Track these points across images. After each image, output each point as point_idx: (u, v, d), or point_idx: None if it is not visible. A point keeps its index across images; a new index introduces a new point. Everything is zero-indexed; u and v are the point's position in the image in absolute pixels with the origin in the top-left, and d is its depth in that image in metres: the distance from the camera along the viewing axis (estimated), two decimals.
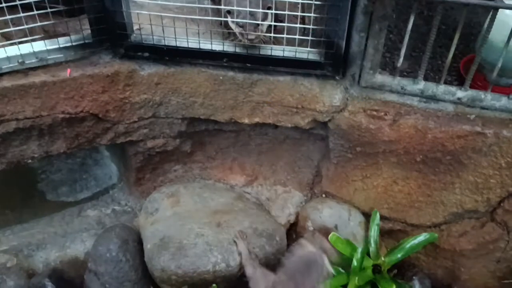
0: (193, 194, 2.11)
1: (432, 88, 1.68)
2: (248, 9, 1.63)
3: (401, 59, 1.67)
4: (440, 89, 1.68)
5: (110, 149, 2.18)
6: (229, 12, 1.72)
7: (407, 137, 1.73)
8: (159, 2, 1.81)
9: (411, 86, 1.70)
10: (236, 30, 1.70)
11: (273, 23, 1.72)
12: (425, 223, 1.94)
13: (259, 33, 1.68)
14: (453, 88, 1.67)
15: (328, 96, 1.78)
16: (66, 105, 1.80)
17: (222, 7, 1.75)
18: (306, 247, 1.38)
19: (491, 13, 1.53)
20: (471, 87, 1.70)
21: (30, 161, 1.89)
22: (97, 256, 1.94)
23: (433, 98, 1.70)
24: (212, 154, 2.20)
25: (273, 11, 1.74)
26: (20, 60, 1.72)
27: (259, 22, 1.66)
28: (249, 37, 1.67)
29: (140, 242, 2.00)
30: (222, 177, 2.24)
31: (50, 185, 2.18)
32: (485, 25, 1.70)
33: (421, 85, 1.69)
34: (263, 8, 1.66)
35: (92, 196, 2.25)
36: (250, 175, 2.22)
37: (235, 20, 1.69)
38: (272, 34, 1.73)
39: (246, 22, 1.65)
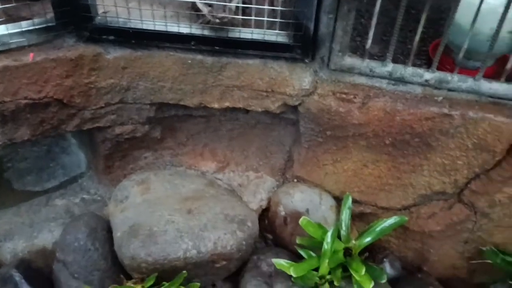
0: (164, 181, 2.08)
1: (400, 70, 1.69)
2: None
3: (369, 41, 1.67)
4: (408, 71, 1.68)
5: (77, 136, 2.13)
6: None
7: (376, 120, 1.74)
8: None
9: (379, 68, 1.70)
10: (205, 10, 1.67)
11: (241, 5, 1.70)
12: (395, 205, 1.95)
13: (228, 14, 1.66)
14: (420, 70, 1.68)
15: (298, 79, 1.77)
16: (29, 90, 1.74)
17: None
18: None
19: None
20: (441, 70, 1.71)
21: None
22: (65, 246, 1.90)
23: (402, 80, 1.70)
24: (183, 140, 2.17)
25: None
26: None
27: (227, 2, 1.64)
28: (218, 15, 1.63)
29: (109, 231, 1.96)
30: (193, 164, 2.21)
31: (16, 174, 2.12)
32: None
33: (389, 67, 1.69)
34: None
35: (60, 185, 2.20)
36: (222, 161, 2.20)
37: (203, 1, 1.66)
38: (240, 16, 1.71)
39: (214, 2, 1.63)
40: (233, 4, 1.67)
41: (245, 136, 2.13)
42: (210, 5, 1.65)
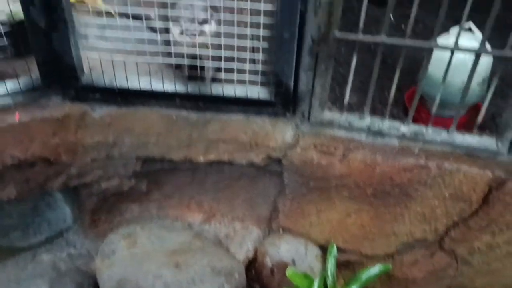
0: (150, 234, 2.08)
1: (378, 123, 1.76)
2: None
3: (347, 97, 1.74)
4: (385, 125, 1.75)
5: (63, 191, 2.13)
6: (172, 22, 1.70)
7: (357, 172, 1.79)
8: (108, 45, 1.82)
9: (358, 122, 1.77)
10: (176, 32, 1.69)
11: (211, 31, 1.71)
12: (379, 253, 1.98)
13: (201, 36, 1.68)
14: (397, 124, 1.75)
15: (280, 133, 1.82)
16: (15, 150, 1.76)
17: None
18: None
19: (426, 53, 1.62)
20: (417, 119, 1.78)
21: None
22: None
23: (379, 133, 1.77)
24: (169, 192, 2.19)
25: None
26: None
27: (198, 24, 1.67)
28: (191, 35, 1.66)
29: (96, 286, 1.95)
30: (180, 216, 2.22)
31: (1, 231, 2.10)
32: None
33: (367, 121, 1.76)
34: (198, 20, 1.67)
35: (46, 240, 2.18)
36: (208, 212, 2.22)
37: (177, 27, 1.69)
38: (223, 74, 1.76)
39: (187, 26, 1.66)
40: (206, 28, 1.70)
41: (230, 188, 2.15)
42: (182, 30, 1.68)
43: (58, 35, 1.66)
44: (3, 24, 1.67)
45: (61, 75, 1.76)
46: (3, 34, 1.65)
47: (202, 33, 1.69)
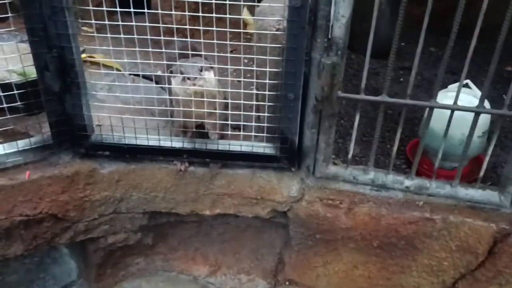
0: None
1: (382, 177, 1.79)
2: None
3: (350, 152, 1.78)
4: (389, 178, 1.78)
5: (69, 246, 2.13)
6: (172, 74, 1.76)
7: (362, 224, 1.81)
8: (118, 104, 1.88)
9: (362, 176, 1.80)
10: (179, 82, 1.74)
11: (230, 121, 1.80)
12: None
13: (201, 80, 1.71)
14: (401, 177, 1.78)
15: (286, 187, 1.85)
16: (24, 207, 1.78)
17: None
18: None
19: (427, 111, 1.68)
20: (418, 170, 1.81)
21: None
22: None
23: (384, 187, 1.80)
24: (174, 245, 2.20)
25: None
26: None
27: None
28: (191, 79, 1.69)
29: None
30: (185, 268, 2.21)
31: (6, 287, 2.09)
32: (425, 117, 1.87)
33: (371, 175, 1.80)
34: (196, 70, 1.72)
35: None
36: (213, 264, 2.22)
37: (178, 75, 1.73)
38: (230, 132, 1.81)
39: (188, 72, 1.70)
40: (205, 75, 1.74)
41: (236, 239, 2.16)
42: (183, 76, 1.72)
43: (70, 97, 1.71)
44: (15, 84, 1.72)
45: (71, 134, 1.80)
46: (16, 94, 1.69)
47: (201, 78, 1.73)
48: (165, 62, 1.84)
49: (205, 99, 1.71)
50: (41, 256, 2.09)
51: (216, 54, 1.68)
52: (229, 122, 1.77)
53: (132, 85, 2.10)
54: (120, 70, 2.47)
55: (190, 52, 1.93)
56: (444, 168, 2.04)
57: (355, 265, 1.94)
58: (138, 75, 2.39)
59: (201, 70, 1.74)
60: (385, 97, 1.59)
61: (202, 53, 1.98)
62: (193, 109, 1.73)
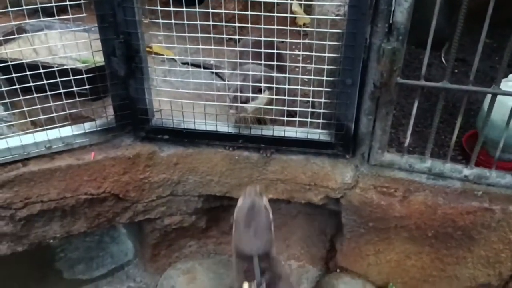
0: (209, 270, 2.14)
1: (439, 166, 1.77)
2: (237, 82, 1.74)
3: (407, 140, 1.77)
4: (447, 167, 1.76)
5: (127, 226, 2.24)
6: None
7: (417, 213, 1.79)
8: (179, 90, 1.94)
9: (418, 164, 1.79)
10: (228, 102, 1.79)
11: (266, 106, 1.79)
12: None
13: (245, 111, 1.75)
14: (459, 166, 1.75)
15: (340, 174, 1.87)
16: (89, 186, 1.88)
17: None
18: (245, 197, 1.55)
19: (490, 97, 1.64)
20: (475, 161, 1.78)
21: (51, 241, 1.93)
22: None
23: (441, 176, 1.78)
24: (226, 229, 2.25)
25: (268, 95, 1.79)
26: (47, 145, 1.82)
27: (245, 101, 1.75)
28: (231, 111, 1.75)
29: None
30: None
31: (67, 264, 2.20)
32: (484, 105, 1.83)
33: (428, 163, 1.78)
34: (253, 90, 1.75)
35: (108, 273, 2.27)
36: None
37: (227, 93, 1.78)
38: (285, 118, 1.84)
39: (234, 97, 1.74)
40: (251, 105, 1.77)
41: (287, 226, 2.19)
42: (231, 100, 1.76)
43: (134, 81, 1.79)
44: (78, 71, 1.81)
45: (133, 117, 1.88)
46: (85, 79, 1.78)
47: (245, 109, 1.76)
48: (225, 47, 1.86)
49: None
50: (101, 234, 2.20)
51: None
52: (285, 108, 1.79)
53: (190, 71, 2.17)
54: (175, 60, 2.55)
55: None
56: (502, 160, 1.99)
57: (407, 254, 1.93)
58: (191, 64, 2.46)
59: (259, 91, 1.75)
60: (446, 83, 1.58)
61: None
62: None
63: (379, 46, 1.56)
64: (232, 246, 1.56)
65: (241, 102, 1.75)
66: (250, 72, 1.73)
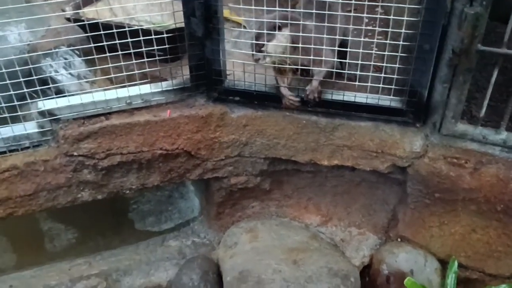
0: (270, 230, 2.21)
1: None
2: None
3: (483, 110, 1.73)
4: None
5: (195, 183, 2.34)
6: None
7: (488, 186, 1.76)
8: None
9: (493, 136, 1.75)
10: (285, 93, 1.83)
11: (281, 44, 1.75)
12: (503, 273, 1.91)
13: (264, 54, 1.72)
14: None
15: (409, 142, 1.86)
16: (164, 142, 1.99)
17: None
18: None
19: None
20: None
21: (127, 192, 2.08)
22: (180, 285, 2.06)
23: None
24: (289, 192, 2.31)
25: (283, 33, 1.74)
26: (128, 101, 1.94)
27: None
28: (254, 57, 1.75)
29: (219, 274, 2.11)
30: (298, 216, 2.32)
31: (139, 215, 2.36)
32: None
33: (503, 135, 1.73)
34: (269, 28, 1.71)
35: (175, 227, 2.41)
36: (325, 215, 2.30)
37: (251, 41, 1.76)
38: (357, 83, 1.84)
39: (252, 43, 1.73)
40: (270, 43, 1.72)
41: (349, 193, 2.22)
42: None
43: (210, 42, 1.86)
44: (158, 32, 1.89)
45: (208, 78, 1.96)
46: (165, 39, 1.87)
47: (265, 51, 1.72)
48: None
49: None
50: (171, 190, 2.32)
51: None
52: (346, 72, 1.78)
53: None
54: (245, 27, 2.60)
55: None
56: None
57: (473, 228, 1.91)
58: None
59: (274, 28, 1.70)
60: None
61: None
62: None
63: (461, 11, 1.52)
64: None
65: (259, 50, 1.73)
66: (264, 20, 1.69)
